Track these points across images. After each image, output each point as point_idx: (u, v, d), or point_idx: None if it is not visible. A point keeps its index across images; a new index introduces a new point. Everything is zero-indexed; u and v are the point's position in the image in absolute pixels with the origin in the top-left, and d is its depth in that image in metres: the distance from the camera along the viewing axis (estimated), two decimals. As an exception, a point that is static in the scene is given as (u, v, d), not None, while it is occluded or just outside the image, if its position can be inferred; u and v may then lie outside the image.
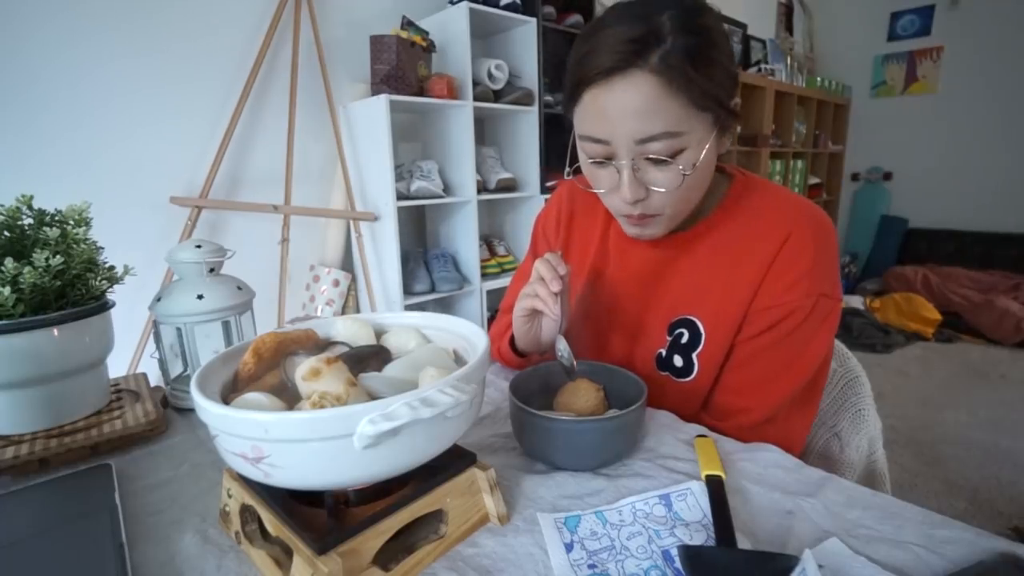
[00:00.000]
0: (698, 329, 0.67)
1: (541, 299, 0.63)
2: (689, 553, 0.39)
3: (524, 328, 0.70)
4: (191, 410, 0.68)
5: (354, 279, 2.05)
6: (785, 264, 0.62)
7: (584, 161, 0.63)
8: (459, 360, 0.49)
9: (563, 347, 0.62)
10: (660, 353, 0.70)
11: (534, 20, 2.08)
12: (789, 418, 0.65)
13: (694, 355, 0.67)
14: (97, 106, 1.51)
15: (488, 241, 2.31)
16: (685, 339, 0.67)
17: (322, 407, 0.35)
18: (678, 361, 0.68)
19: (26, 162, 1.42)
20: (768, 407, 0.63)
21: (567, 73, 0.59)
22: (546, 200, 1.31)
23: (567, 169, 0.66)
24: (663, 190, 0.58)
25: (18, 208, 0.58)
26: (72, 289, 0.59)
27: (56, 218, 0.60)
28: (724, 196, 0.68)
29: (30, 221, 0.59)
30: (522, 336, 0.71)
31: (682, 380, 0.68)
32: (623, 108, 0.54)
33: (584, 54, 0.55)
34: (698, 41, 0.53)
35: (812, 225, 0.62)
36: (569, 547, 0.41)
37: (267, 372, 0.46)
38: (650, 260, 0.71)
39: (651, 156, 0.56)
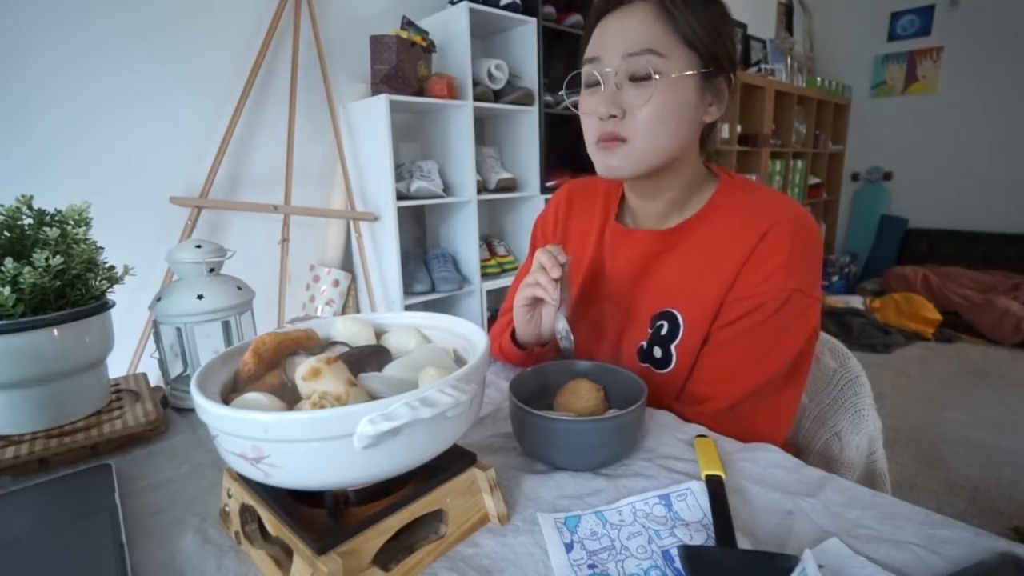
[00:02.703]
0: (677, 321, 0.68)
1: (542, 286, 0.65)
2: (689, 553, 0.39)
3: (525, 318, 0.71)
4: (191, 410, 0.68)
5: (354, 279, 2.05)
6: (762, 257, 0.63)
7: (582, 99, 0.68)
8: (459, 360, 0.49)
9: (563, 327, 0.64)
10: (642, 345, 0.71)
11: (534, 20, 2.07)
12: (754, 410, 0.65)
13: (672, 346, 0.68)
14: (97, 106, 1.51)
15: (488, 241, 2.31)
16: (664, 331, 0.69)
17: (322, 407, 0.35)
18: (658, 352, 0.70)
19: (26, 162, 1.42)
20: (732, 396, 0.64)
21: (586, 21, 0.69)
22: (546, 200, 1.32)
23: (563, 92, 0.71)
24: (638, 104, 0.62)
25: (18, 208, 0.58)
26: (72, 289, 0.59)
27: (56, 218, 0.60)
28: (711, 196, 0.70)
29: (30, 221, 0.59)
30: (523, 326, 0.72)
31: (661, 372, 0.69)
32: (620, 29, 0.63)
33: None
34: None
35: (793, 223, 0.64)
36: (569, 547, 0.41)
37: (267, 372, 0.46)
38: (638, 256, 0.73)
39: (633, 75, 0.62)
